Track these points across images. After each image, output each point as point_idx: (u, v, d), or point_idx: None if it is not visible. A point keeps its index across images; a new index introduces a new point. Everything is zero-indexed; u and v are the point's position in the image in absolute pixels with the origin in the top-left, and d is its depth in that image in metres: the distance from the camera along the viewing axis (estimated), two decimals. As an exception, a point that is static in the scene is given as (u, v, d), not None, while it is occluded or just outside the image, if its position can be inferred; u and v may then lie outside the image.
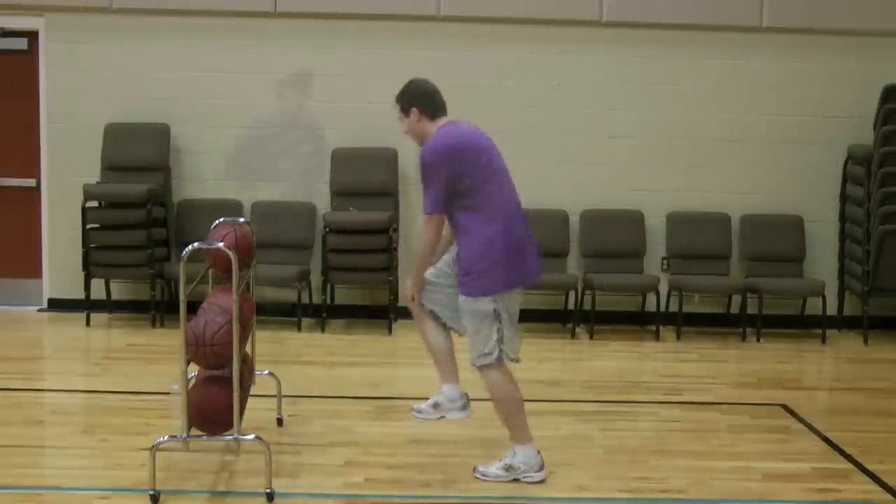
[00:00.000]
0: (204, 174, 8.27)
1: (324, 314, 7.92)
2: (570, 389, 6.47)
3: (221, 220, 4.93)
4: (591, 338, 7.87)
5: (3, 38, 8.23)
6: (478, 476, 4.74)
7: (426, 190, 4.60)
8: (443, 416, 4.95)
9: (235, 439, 4.40)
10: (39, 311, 8.33)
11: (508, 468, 4.71)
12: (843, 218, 8.31)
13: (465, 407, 4.95)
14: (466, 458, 5.01)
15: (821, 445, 5.42)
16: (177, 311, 4.35)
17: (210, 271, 4.91)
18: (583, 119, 8.25)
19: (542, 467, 4.73)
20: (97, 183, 7.94)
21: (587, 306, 7.98)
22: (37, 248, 8.35)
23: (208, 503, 4.42)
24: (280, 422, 5.39)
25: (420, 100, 4.67)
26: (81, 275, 7.87)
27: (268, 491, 4.39)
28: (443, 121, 4.70)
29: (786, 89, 8.28)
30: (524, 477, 4.70)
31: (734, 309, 8.33)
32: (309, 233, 8.14)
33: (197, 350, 4.23)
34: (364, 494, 4.54)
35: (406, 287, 4.82)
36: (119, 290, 8.28)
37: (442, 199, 4.54)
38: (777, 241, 8.24)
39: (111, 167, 8.04)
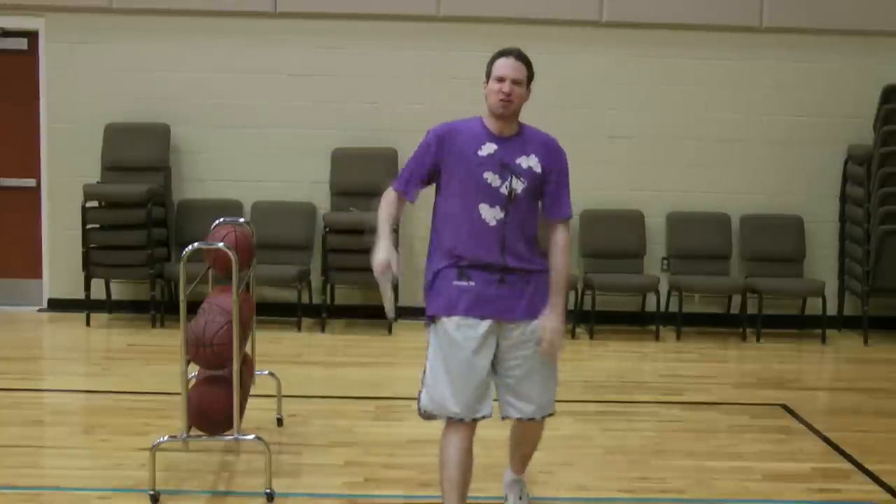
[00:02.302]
0: (204, 174, 8.27)
1: (324, 314, 7.91)
2: (570, 389, 6.46)
3: (221, 220, 4.93)
4: (591, 338, 7.87)
5: (3, 38, 8.24)
6: None
7: (566, 191, 3.97)
8: None
9: (235, 439, 4.40)
10: (39, 311, 8.33)
11: None
12: (843, 218, 8.31)
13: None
14: (466, 458, 5.02)
15: (821, 445, 5.42)
16: (177, 311, 4.35)
17: (210, 271, 4.91)
18: (583, 119, 8.25)
19: None
20: (97, 183, 7.94)
21: (587, 306, 7.98)
22: (37, 248, 8.35)
23: (208, 503, 4.41)
24: (280, 422, 5.39)
25: None
26: (81, 275, 7.87)
27: (268, 491, 4.39)
28: None
29: (786, 89, 8.28)
30: None
31: (734, 309, 8.33)
32: (309, 233, 8.14)
33: (197, 350, 4.23)
34: (364, 494, 4.54)
35: (558, 331, 3.87)
36: (119, 290, 8.28)
37: None
38: (777, 241, 8.24)
39: (111, 167, 8.04)
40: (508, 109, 3.84)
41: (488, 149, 3.85)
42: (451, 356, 3.81)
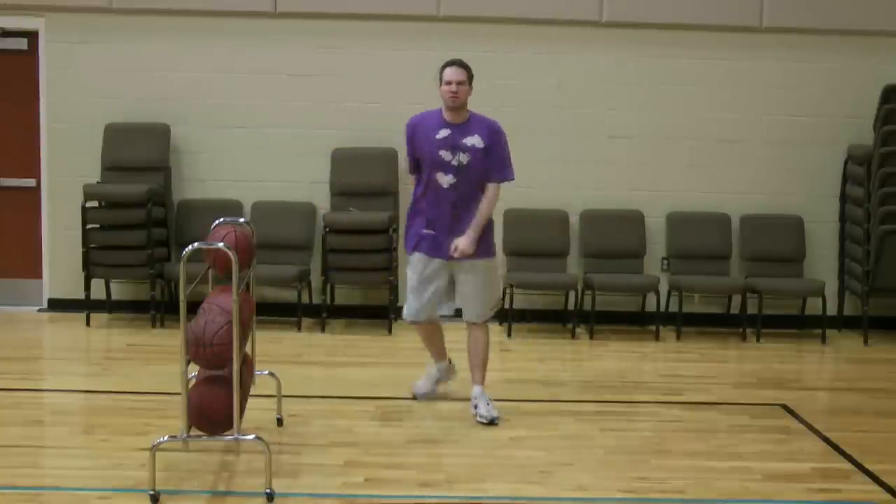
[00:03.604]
0: (204, 174, 8.27)
1: (324, 314, 7.91)
2: (570, 389, 6.47)
3: (221, 220, 4.93)
4: (591, 338, 7.87)
5: (3, 38, 8.23)
6: (480, 418, 5.57)
7: (507, 158, 5.55)
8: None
9: (235, 439, 4.40)
10: (39, 311, 8.33)
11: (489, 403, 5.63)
12: (843, 218, 8.32)
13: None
14: (466, 457, 5.02)
15: (821, 445, 5.42)
16: (177, 311, 4.35)
17: (210, 271, 4.91)
18: (583, 119, 8.25)
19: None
20: (97, 183, 7.94)
21: (587, 306, 7.98)
22: (37, 248, 8.35)
23: (208, 503, 4.42)
24: (280, 422, 5.39)
25: None
26: (81, 275, 7.87)
27: (268, 491, 4.39)
28: None
29: (786, 89, 8.28)
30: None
31: (734, 309, 8.33)
32: (309, 233, 8.14)
33: (197, 350, 4.23)
34: (364, 494, 4.54)
35: (466, 245, 5.46)
36: (119, 290, 8.28)
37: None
38: (777, 241, 8.24)
39: (111, 167, 8.04)
40: (456, 103, 5.43)
41: (443, 133, 5.46)
42: (413, 281, 5.67)
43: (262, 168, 8.24)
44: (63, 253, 8.22)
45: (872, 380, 6.98)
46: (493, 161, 5.47)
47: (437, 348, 5.99)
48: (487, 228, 5.59)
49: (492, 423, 5.53)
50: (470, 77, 5.45)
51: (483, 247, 5.55)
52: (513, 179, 5.59)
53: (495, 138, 5.47)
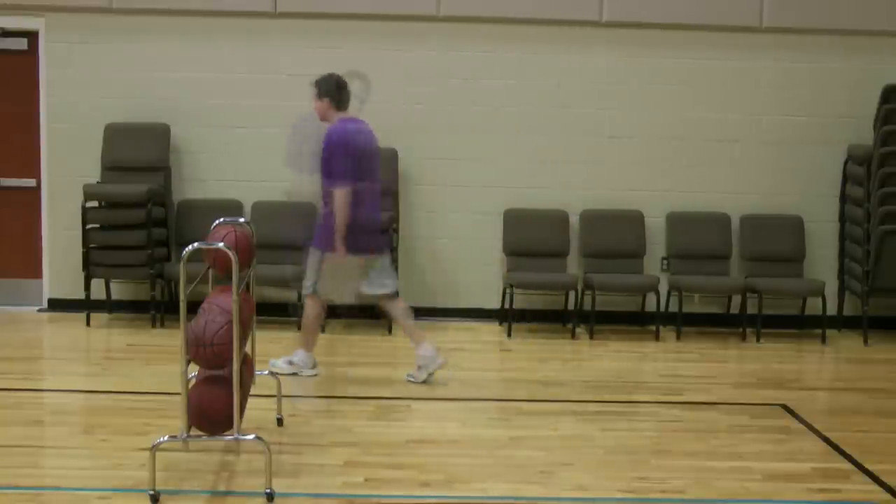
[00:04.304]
0: (204, 174, 8.27)
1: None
2: (570, 389, 6.47)
3: (221, 220, 4.93)
4: (591, 338, 7.87)
5: (3, 38, 8.23)
6: (271, 367, 6.10)
7: (330, 163, 6.06)
8: (295, 374, 6.38)
9: (235, 439, 4.41)
10: (39, 311, 8.33)
11: (290, 363, 6.37)
12: (843, 218, 8.31)
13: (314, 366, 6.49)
14: (466, 458, 5.02)
15: (821, 445, 5.42)
16: (177, 311, 4.35)
17: (210, 271, 4.91)
18: (583, 119, 8.25)
19: (314, 366, 6.46)
20: (97, 183, 7.94)
21: (587, 306, 7.98)
22: (37, 248, 8.35)
23: (208, 503, 4.42)
24: (280, 422, 5.40)
25: (332, 93, 6.19)
26: (81, 275, 7.87)
27: (268, 491, 4.39)
28: (344, 114, 6.22)
29: (785, 89, 8.28)
30: (301, 372, 6.39)
31: (734, 309, 8.33)
32: (309, 233, 8.12)
33: (197, 350, 4.23)
34: (364, 494, 4.54)
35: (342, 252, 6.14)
36: (119, 290, 8.28)
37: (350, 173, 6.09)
38: (777, 241, 8.24)
39: (111, 167, 8.04)
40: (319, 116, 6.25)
41: None
42: None
43: (262, 168, 8.23)
44: (63, 253, 8.22)
45: (872, 380, 6.98)
46: (327, 166, 6.13)
47: (408, 333, 6.52)
48: (333, 227, 6.14)
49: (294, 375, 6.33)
50: (319, 92, 6.19)
51: (316, 238, 6.31)
52: (339, 188, 6.04)
53: (323, 146, 6.11)
